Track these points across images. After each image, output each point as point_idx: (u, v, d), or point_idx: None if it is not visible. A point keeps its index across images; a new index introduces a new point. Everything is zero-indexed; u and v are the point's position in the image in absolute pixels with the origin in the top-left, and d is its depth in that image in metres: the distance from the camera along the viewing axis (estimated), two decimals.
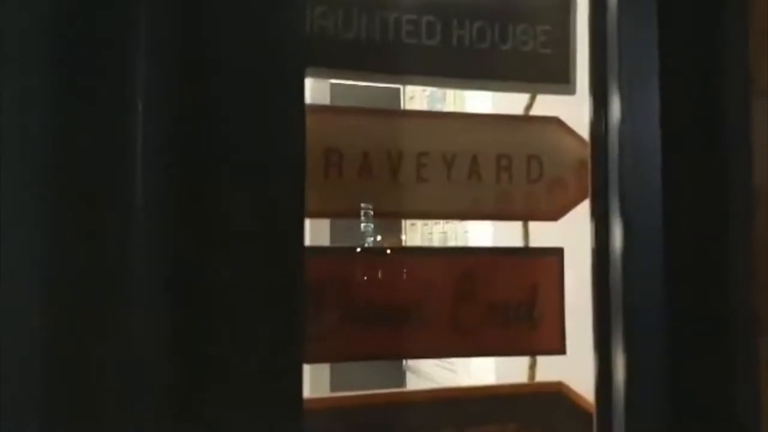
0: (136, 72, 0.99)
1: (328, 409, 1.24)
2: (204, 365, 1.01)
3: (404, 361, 2.63)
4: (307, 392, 1.04)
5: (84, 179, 0.95)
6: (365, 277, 1.28)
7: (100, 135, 0.96)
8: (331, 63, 1.25)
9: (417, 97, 2.49)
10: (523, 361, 1.56)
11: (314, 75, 1.22)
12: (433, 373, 2.43)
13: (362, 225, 1.34)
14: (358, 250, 1.28)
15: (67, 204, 0.95)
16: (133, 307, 0.96)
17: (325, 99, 2.10)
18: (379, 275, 1.29)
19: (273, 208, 1.06)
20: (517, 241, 1.57)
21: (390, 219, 1.26)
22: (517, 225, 1.57)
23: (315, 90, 2.10)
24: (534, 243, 1.54)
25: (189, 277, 1.01)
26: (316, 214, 1.22)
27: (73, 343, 0.94)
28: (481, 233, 2.19)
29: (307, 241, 1.04)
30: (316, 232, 2.21)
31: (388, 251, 1.31)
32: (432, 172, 1.29)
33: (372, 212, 1.29)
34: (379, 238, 1.42)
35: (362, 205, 1.28)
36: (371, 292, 1.27)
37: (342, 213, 1.28)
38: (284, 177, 1.07)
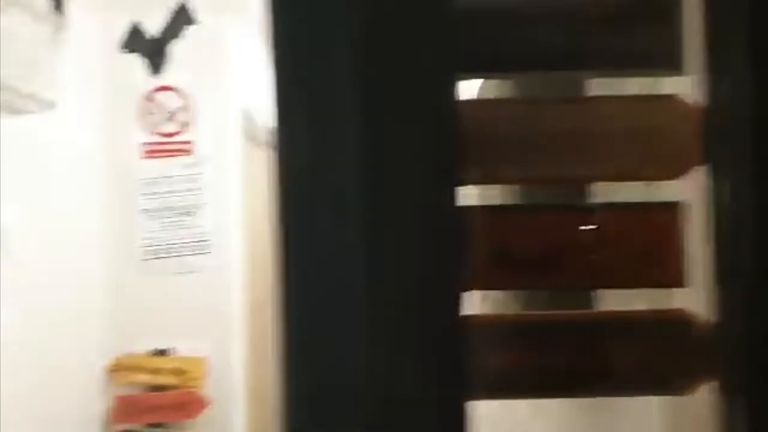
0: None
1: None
2: None
3: None
4: None
5: None
6: (520, 228, 1.68)
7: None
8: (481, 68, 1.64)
9: None
10: None
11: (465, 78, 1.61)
12: None
13: None
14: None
15: None
16: None
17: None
18: (533, 226, 1.68)
19: (436, 177, 1.47)
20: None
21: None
22: None
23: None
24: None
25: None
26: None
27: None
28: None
29: None
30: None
31: (536, 208, 1.69)
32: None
33: None
34: None
35: None
36: (525, 238, 1.67)
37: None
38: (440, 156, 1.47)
